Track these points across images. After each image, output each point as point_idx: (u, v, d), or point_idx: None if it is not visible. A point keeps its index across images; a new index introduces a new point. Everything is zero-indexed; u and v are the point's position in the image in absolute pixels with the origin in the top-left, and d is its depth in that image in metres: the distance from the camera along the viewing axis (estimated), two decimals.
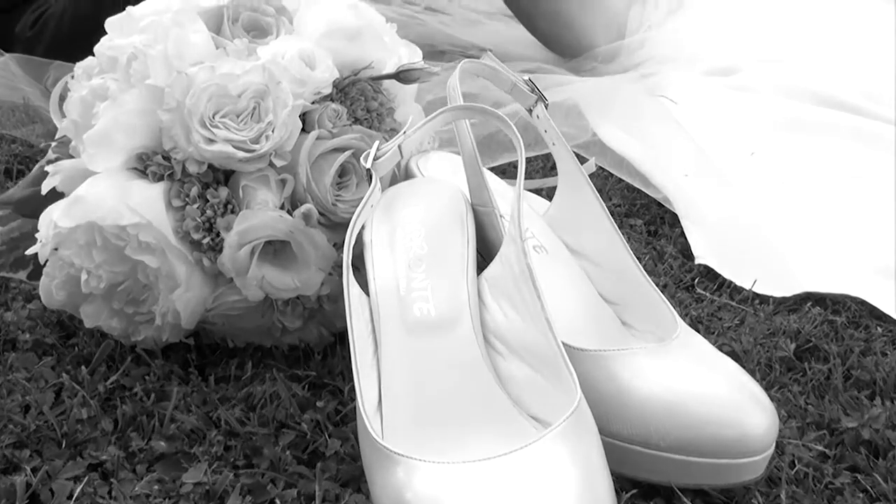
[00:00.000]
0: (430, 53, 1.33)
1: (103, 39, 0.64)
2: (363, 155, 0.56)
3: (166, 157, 0.59)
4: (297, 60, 0.61)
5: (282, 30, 0.65)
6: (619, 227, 0.84)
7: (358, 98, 0.64)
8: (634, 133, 0.91)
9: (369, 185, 0.55)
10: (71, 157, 0.65)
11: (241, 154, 0.58)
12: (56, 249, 0.60)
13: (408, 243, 0.58)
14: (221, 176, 0.60)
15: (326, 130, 0.62)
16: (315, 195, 0.60)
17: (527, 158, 0.89)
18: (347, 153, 0.62)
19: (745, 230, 0.79)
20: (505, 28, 1.34)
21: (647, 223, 0.85)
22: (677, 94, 1.06)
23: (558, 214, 0.66)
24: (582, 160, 0.65)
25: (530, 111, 0.67)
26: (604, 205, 0.65)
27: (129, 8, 0.65)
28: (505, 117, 0.57)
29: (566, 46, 1.28)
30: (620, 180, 0.90)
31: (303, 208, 0.59)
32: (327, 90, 0.63)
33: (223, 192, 0.59)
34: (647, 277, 0.61)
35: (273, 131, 0.58)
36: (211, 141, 0.57)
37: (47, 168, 0.64)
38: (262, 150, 0.58)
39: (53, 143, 0.70)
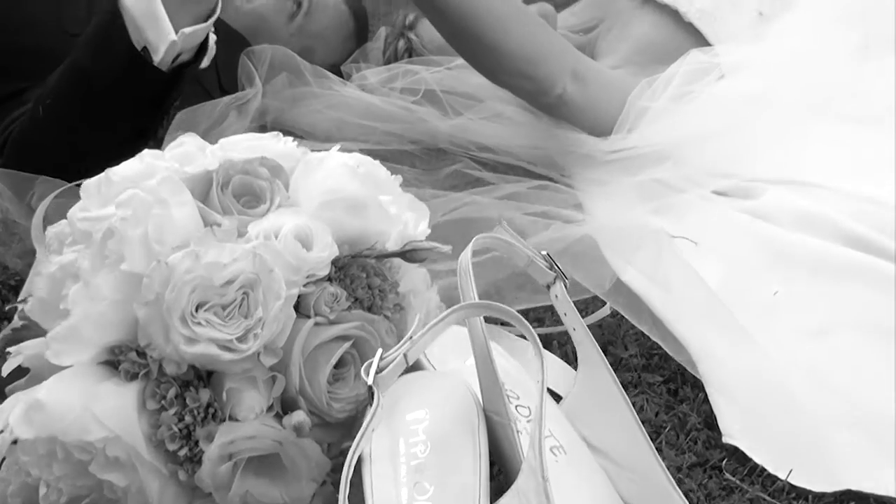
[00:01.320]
0: (430, 150, 1.28)
1: (77, 206, 0.58)
2: (363, 367, 0.50)
3: (141, 353, 0.53)
4: (293, 240, 0.55)
5: (276, 195, 0.59)
6: (636, 386, 0.79)
7: (358, 276, 0.58)
8: (658, 280, 0.85)
9: (370, 403, 0.49)
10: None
11: (226, 356, 0.51)
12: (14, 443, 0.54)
13: (411, 459, 0.51)
14: (204, 374, 0.53)
15: (323, 317, 0.55)
16: (308, 395, 0.54)
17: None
18: (346, 345, 0.55)
19: (776, 403, 0.72)
20: (505, 128, 1.29)
21: (667, 380, 0.78)
22: (694, 221, 1.00)
23: (577, 404, 0.60)
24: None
25: (548, 287, 0.61)
26: (626, 396, 0.59)
27: (108, 171, 0.58)
28: (521, 318, 0.51)
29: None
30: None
31: (294, 418, 0.52)
32: (325, 271, 0.56)
33: (204, 395, 0.52)
34: (672, 482, 0.55)
35: (263, 328, 0.52)
36: (192, 341, 0.51)
37: (9, 349, 0.57)
38: (249, 350, 0.51)
39: (21, 307, 0.63)
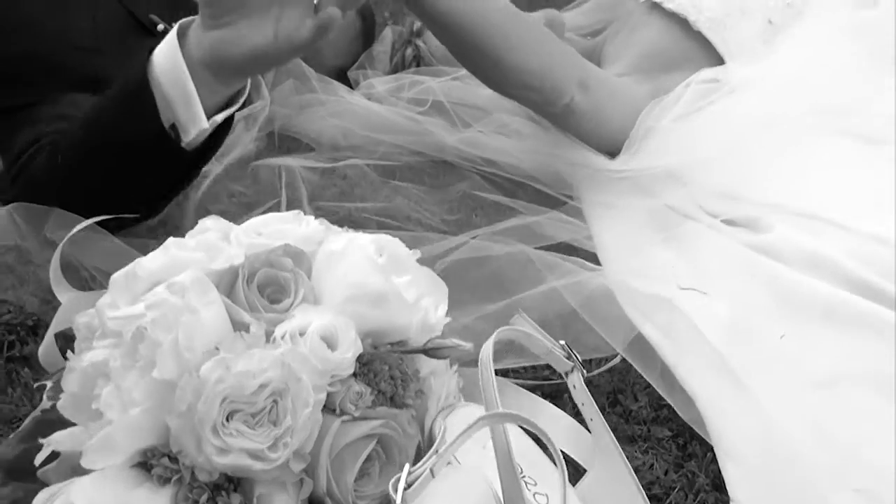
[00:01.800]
0: (437, 163, 1.28)
1: (106, 301, 0.59)
2: (391, 483, 0.51)
3: (173, 458, 0.54)
4: (319, 342, 0.56)
5: (300, 287, 0.60)
6: (645, 440, 0.81)
7: (381, 369, 0.59)
8: (672, 334, 0.86)
9: None
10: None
11: (257, 465, 0.53)
12: None
13: None
14: (235, 478, 0.55)
15: (349, 415, 0.57)
16: (335, 495, 0.55)
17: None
18: (372, 444, 0.57)
19: (783, 468, 0.74)
20: (514, 143, 1.29)
21: (676, 435, 0.80)
22: (702, 253, 1.01)
23: (593, 493, 0.62)
24: None
25: (565, 374, 0.62)
26: (641, 488, 0.60)
27: (136, 265, 0.59)
28: (545, 431, 0.53)
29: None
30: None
31: None
32: (350, 370, 0.57)
33: (235, 499, 0.54)
34: None
35: (292, 436, 0.53)
36: (224, 451, 0.52)
37: (41, 440, 0.59)
38: (280, 460, 0.53)
39: (49, 383, 0.65)
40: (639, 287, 0.90)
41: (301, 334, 0.57)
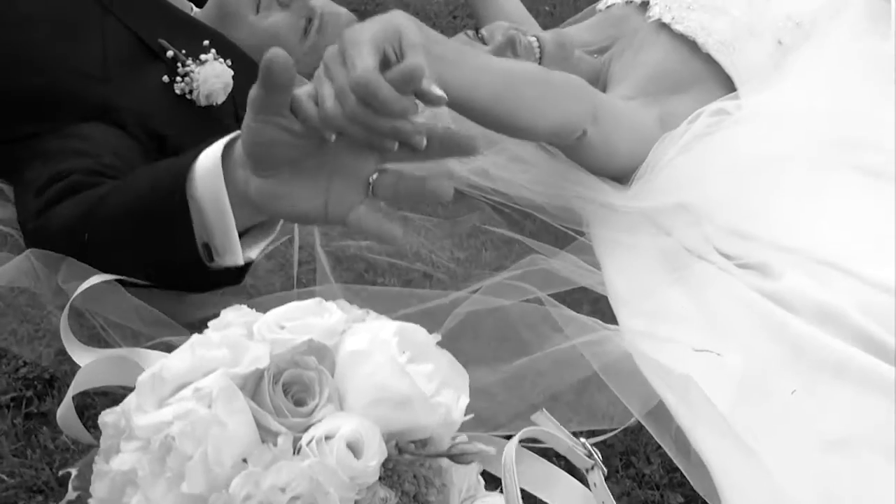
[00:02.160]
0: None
1: (133, 403, 0.59)
2: None
3: None
4: (346, 451, 0.57)
5: (325, 386, 0.61)
6: None
7: (406, 471, 0.60)
8: (688, 400, 0.86)
9: None
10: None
11: None
12: None
13: None
14: None
15: None
16: None
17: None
18: None
19: None
20: (524, 174, 1.28)
21: (689, 501, 0.81)
22: (713, 298, 1.02)
23: None
24: None
25: (586, 471, 0.63)
26: None
27: (161, 366, 0.60)
28: None
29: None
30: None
31: None
32: (375, 477, 0.58)
33: None
34: None
35: None
36: None
37: None
38: None
39: (74, 471, 0.65)
40: (654, 349, 0.90)
41: (327, 438, 0.58)
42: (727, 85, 1.37)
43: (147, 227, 0.85)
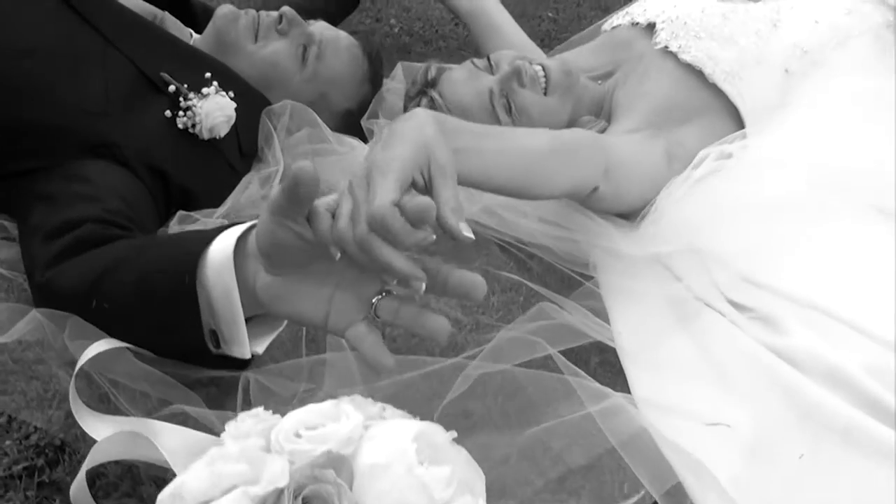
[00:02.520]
0: None
1: None
2: None
3: None
4: None
5: (343, 499, 0.61)
6: None
7: None
8: (699, 475, 0.87)
9: None
10: None
11: None
12: None
13: None
14: None
15: None
16: None
17: None
18: None
19: None
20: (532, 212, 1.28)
21: None
22: (721, 350, 1.02)
23: None
24: None
25: None
26: None
27: (180, 486, 0.60)
28: None
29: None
30: None
31: None
32: None
33: None
34: None
35: None
36: None
37: None
38: None
39: None
40: (666, 423, 0.90)
41: None
42: (734, 114, 1.36)
43: (155, 308, 0.85)
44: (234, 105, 1.27)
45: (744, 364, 1.01)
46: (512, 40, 1.64)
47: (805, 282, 1.08)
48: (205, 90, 1.25)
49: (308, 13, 1.48)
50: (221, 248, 0.79)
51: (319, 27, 1.44)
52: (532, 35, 2.03)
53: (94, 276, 0.93)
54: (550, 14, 2.14)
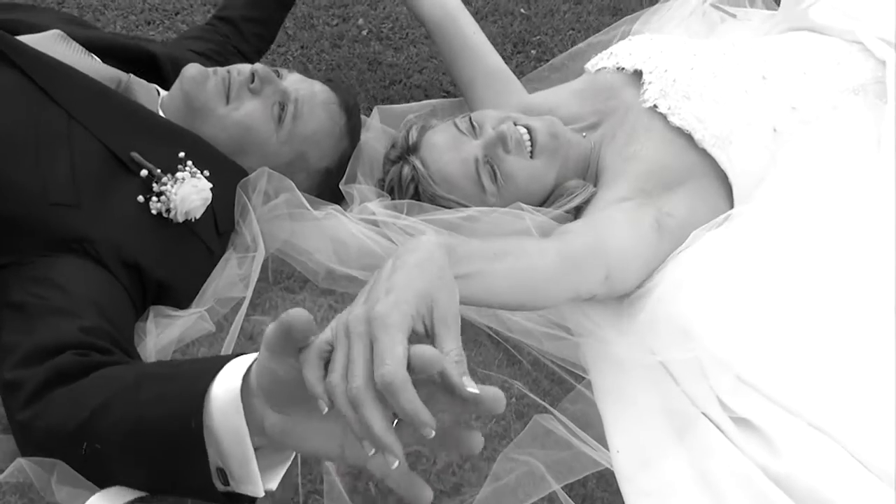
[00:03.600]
0: None
1: None
2: None
3: None
4: None
5: None
6: None
7: None
8: None
9: None
10: None
11: None
12: None
13: None
14: None
15: None
16: None
17: None
18: None
19: None
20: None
21: None
22: (716, 468, 1.03)
23: None
24: None
25: None
26: None
27: None
28: None
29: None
30: None
31: None
32: None
33: None
34: None
35: None
36: None
37: None
38: None
39: None
40: None
41: None
42: (722, 177, 1.34)
43: (157, 450, 0.82)
44: (209, 185, 1.21)
45: (738, 487, 1.02)
46: (484, 61, 1.57)
47: (797, 389, 1.09)
48: (179, 175, 1.18)
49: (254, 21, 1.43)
50: (227, 388, 0.77)
51: (293, 81, 1.36)
52: (504, 37, 1.98)
53: (83, 416, 0.89)
54: (523, 10, 2.06)
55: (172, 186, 1.18)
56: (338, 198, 1.39)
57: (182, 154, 1.20)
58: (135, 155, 1.19)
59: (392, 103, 1.63)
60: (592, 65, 1.54)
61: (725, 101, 1.36)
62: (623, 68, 1.46)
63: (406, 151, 1.34)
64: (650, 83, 1.39)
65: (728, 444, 1.06)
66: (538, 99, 1.54)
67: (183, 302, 1.20)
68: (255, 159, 1.32)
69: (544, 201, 1.35)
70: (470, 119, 1.34)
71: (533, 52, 1.95)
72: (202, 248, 1.24)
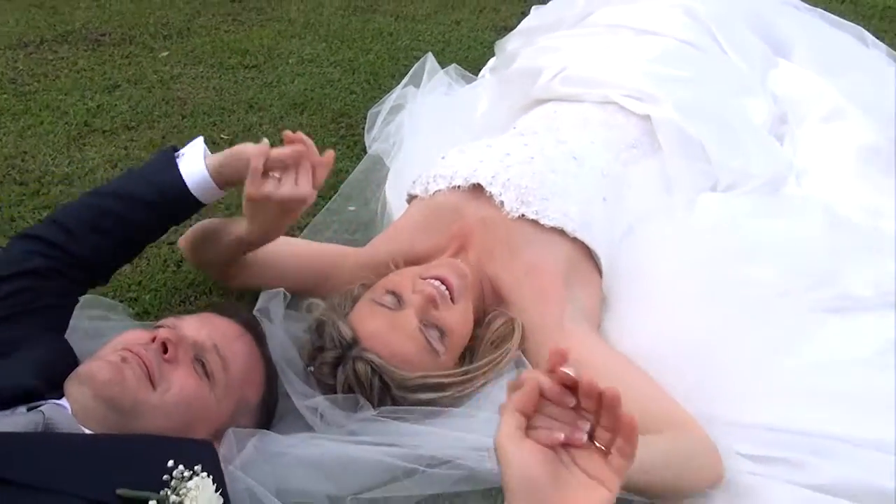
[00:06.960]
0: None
1: None
2: None
3: None
4: None
5: None
6: None
7: None
8: None
9: None
10: None
11: None
12: None
13: None
14: None
15: None
16: None
17: None
18: None
19: None
20: None
21: None
22: None
23: None
24: None
25: None
26: None
27: None
28: None
29: None
30: None
31: None
32: None
33: None
34: None
35: None
36: None
37: None
38: None
39: None
40: None
41: None
42: (588, 254, 1.47)
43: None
44: (211, 480, 1.04)
45: None
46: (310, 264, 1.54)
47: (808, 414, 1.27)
48: (184, 486, 1.01)
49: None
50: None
51: (193, 330, 1.19)
52: None
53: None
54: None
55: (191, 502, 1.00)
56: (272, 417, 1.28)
57: (171, 463, 1.02)
58: (123, 491, 0.98)
59: None
60: (421, 190, 1.55)
61: (568, 191, 1.48)
62: (458, 186, 1.51)
63: (346, 349, 1.26)
64: (500, 194, 1.46)
65: (775, 483, 1.22)
66: (379, 252, 1.51)
67: None
68: (203, 427, 1.16)
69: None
70: (392, 292, 1.31)
71: None
72: None
